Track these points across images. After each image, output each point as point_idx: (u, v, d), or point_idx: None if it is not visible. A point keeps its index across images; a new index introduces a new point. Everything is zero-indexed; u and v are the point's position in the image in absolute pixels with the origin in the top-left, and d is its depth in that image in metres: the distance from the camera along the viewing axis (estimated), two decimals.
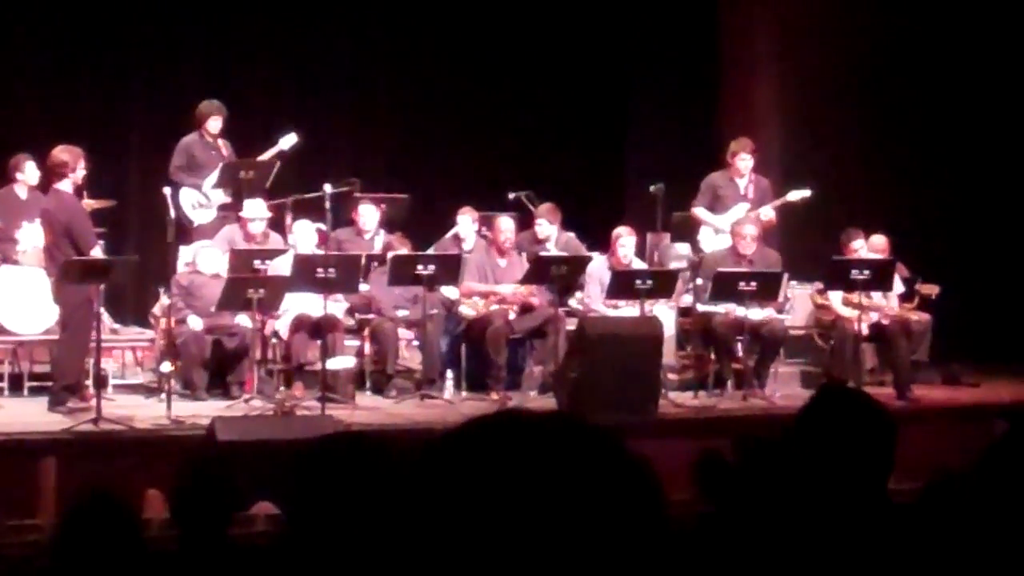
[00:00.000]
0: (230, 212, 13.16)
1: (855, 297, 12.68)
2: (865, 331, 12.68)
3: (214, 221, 13.29)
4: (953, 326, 13.57)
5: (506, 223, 13.21)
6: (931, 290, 13.57)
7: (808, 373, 13.37)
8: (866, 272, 12.41)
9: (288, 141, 13.40)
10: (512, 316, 12.72)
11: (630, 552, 1.62)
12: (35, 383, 12.47)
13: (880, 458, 3.41)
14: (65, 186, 11.37)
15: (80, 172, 11.43)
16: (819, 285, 13.23)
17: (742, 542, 3.29)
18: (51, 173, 11.41)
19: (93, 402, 10.79)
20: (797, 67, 15.70)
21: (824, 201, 13.71)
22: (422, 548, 1.63)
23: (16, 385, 12.44)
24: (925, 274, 13.49)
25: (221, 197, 13.32)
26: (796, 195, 13.51)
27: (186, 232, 13.14)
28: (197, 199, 13.39)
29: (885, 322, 12.79)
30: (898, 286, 13.08)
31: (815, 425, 3.52)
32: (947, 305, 13.56)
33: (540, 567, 1.59)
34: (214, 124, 13.50)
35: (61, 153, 11.37)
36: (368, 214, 13.40)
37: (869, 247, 13.20)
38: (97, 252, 11.40)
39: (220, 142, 13.57)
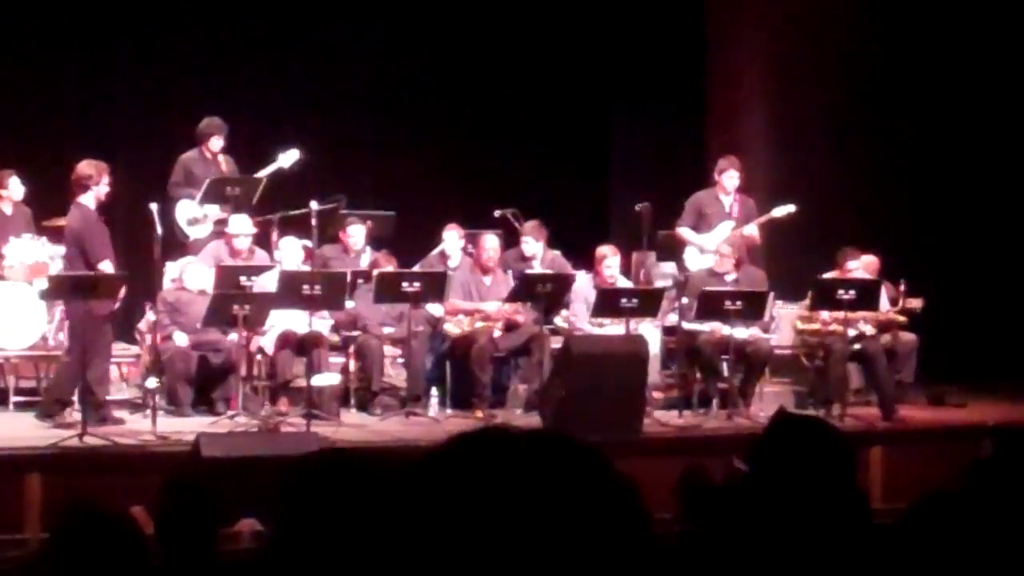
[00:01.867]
0: (225, 227, 13.15)
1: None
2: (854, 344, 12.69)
3: (209, 236, 13.28)
4: (939, 347, 13.58)
5: (491, 241, 13.22)
6: (915, 304, 13.56)
7: (794, 392, 13.38)
8: (851, 292, 12.42)
9: (289, 158, 13.42)
10: (497, 334, 12.72)
11: (615, 570, 1.63)
12: (20, 398, 12.46)
13: (839, 484, 3.42)
14: (88, 200, 11.38)
15: (104, 187, 11.43)
16: (804, 309, 13.17)
17: (724, 561, 3.29)
18: (75, 186, 11.40)
19: (114, 426, 10.95)
20: (785, 85, 15.73)
21: (810, 220, 13.73)
22: (408, 564, 1.63)
23: (1, 400, 12.41)
24: (909, 289, 13.48)
25: (217, 212, 13.31)
26: (781, 211, 13.53)
27: (173, 248, 13.12)
28: (193, 214, 13.38)
29: (871, 331, 12.77)
30: (884, 305, 13.08)
31: (772, 454, 3.53)
32: (932, 325, 13.56)
33: None
34: (216, 143, 13.52)
35: (86, 167, 11.39)
36: (357, 233, 13.40)
37: (862, 267, 13.18)
38: (107, 266, 11.36)
39: (221, 158, 13.58)
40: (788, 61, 15.74)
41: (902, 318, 13.03)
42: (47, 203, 13.63)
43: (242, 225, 12.83)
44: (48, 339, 12.93)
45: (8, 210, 13.52)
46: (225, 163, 13.61)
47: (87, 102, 15.96)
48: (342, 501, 2.96)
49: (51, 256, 13.15)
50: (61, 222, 13.23)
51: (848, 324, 12.59)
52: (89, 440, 10.29)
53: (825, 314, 12.81)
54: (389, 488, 1.73)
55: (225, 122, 13.61)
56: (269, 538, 3.19)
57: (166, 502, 5.32)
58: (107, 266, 11.38)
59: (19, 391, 12.66)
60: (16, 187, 13.51)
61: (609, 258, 13.01)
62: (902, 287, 13.25)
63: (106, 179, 11.43)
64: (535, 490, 1.64)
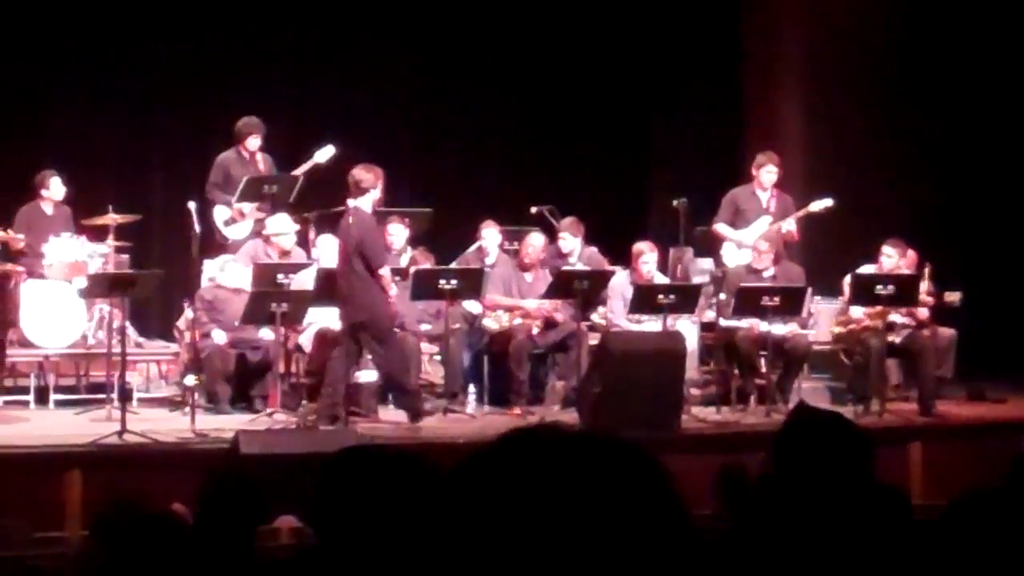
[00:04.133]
0: (265, 227, 13.16)
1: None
2: (893, 340, 12.64)
3: (248, 236, 13.29)
4: (979, 342, 13.52)
5: (536, 238, 13.26)
6: (953, 297, 13.46)
7: (832, 388, 13.34)
8: (890, 287, 12.36)
9: (325, 153, 13.40)
10: (535, 331, 12.72)
11: (658, 567, 1.63)
12: (61, 396, 12.53)
13: (857, 477, 3.42)
14: (364, 203, 11.46)
15: (378, 191, 11.50)
16: (841, 305, 13.11)
17: (763, 557, 3.29)
18: (352, 189, 11.46)
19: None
20: (821, 81, 15.69)
21: (848, 215, 13.68)
22: (455, 561, 1.63)
23: (42, 398, 12.49)
24: (948, 284, 13.40)
25: (256, 212, 13.33)
26: (818, 205, 13.46)
27: (211, 246, 13.16)
28: (230, 215, 13.41)
29: (909, 321, 12.73)
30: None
31: (791, 448, 3.53)
32: (972, 320, 13.49)
33: None
34: (253, 142, 13.53)
35: (363, 171, 11.47)
36: (397, 232, 13.39)
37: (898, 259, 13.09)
38: (386, 272, 11.48)
39: (259, 157, 13.59)
40: (825, 57, 15.69)
41: (928, 300, 12.90)
42: (86, 203, 13.71)
43: (284, 224, 12.86)
44: (88, 337, 13.00)
45: (49, 210, 13.60)
46: (263, 162, 13.62)
47: (126, 102, 16.02)
48: (378, 497, 2.96)
49: (90, 255, 13.23)
50: (100, 221, 13.33)
51: (883, 318, 12.55)
52: (129, 438, 10.33)
53: (858, 312, 12.76)
54: (435, 486, 1.73)
55: (263, 121, 13.62)
56: (308, 535, 3.20)
57: (205, 499, 5.34)
58: (387, 272, 11.49)
59: (59, 388, 12.74)
60: (57, 187, 13.59)
61: (646, 254, 13.00)
62: (927, 276, 13.12)
63: (381, 184, 11.50)
64: (584, 489, 1.63)
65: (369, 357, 11.98)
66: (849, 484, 3.39)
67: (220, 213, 13.39)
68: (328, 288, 11.61)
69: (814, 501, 3.34)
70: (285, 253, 12.83)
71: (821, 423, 3.65)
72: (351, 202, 11.52)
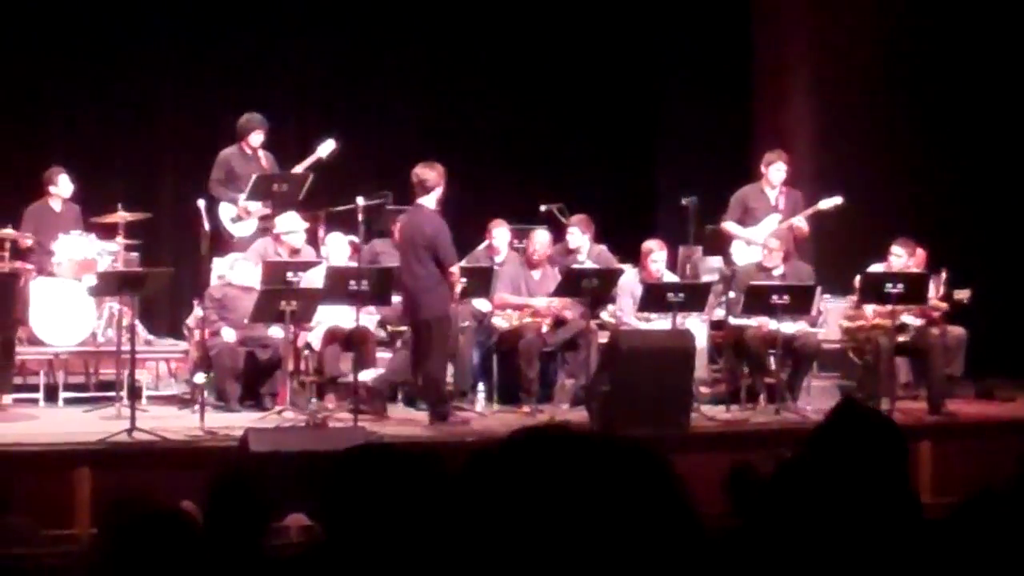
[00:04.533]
0: (270, 224, 13.17)
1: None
2: (902, 338, 12.64)
3: (254, 234, 13.30)
4: (988, 340, 13.51)
5: (542, 236, 13.26)
6: (963, 295, 13.43)
7: (842, 387, 13.32)
8: (899, 286, 12.34)
9: (326, 148, 13.40)
10: (544, 329, 12.72)
11: (669, 565, 1.62)
12: (70, 394, 12.54)
13: (893, 475, 3.41)
14: (429, 201, 11.54)
15: (441, 188, 11.55)
16: (851, 304, 13.11)
17: (772, 556, 3.28)
18: (417, 188, 11.54)
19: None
20: (830, 77, 15.67)
21: (857, 213, 13.66)
22: (463, 559, 1.63)
23: (51, 396, 12.50)
24: (957, 283, 13.38)
25: (261, 210, 13.35)
26: (828, 203, 13.44)
27: (221, 244, 13.16)
28: (236, 212, 13.42)
29: (918, 322, 12.73)
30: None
31: (831, 441, 3.52)
32: (981, 318, 13.47)
33: None
34: (256, 138, 13.53)
35: (427, 170, 11.55)
36: None
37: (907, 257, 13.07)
38: (456, 270, 11.61)
39: (261, 153, 13.60)
40: (835, 53, 15.66)
41: (942, 306, 12.92)
42: (96, 201, 13.73)
43: (292, 223, 12.86)
44: (97, 335, 13.02)
45: (58, 207, 13.62)
46: (265, 159, 13.63)
47: (135, 99, 16.04)
48: (387, 495, 2.96)
49: (100, 253, 13.24)
50: (110, 219, 13.35)
51: (893, 317, 12.54)
52: (138, 435, 10.35)
53: (868, 310, 12.76)
54: (444, 484, 1.73)
55: (267, 118, 13.62)
56: (318, 533, 3.20)
57: (214, 497, 5.34)
58: (457, 269, 11.60)
59: (69, 386, 12.75)
60: (65, 184, 13.60)
61: (655, 252, 12.99)
62: (943, 276, 13.12)
63: (444, 182, 11.55)
64: (593, 489, 1.63)
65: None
66: (886, 483, 3.38)
67: (226, 210, 13.40)
68: (337, 286, 11.60)
69: (847, 497, 3.33)
70: (295, 251, 12.84)
71: (867, 418, 3.64)
72: (418, 200, 11.57)
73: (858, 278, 12.72)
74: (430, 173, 11.50)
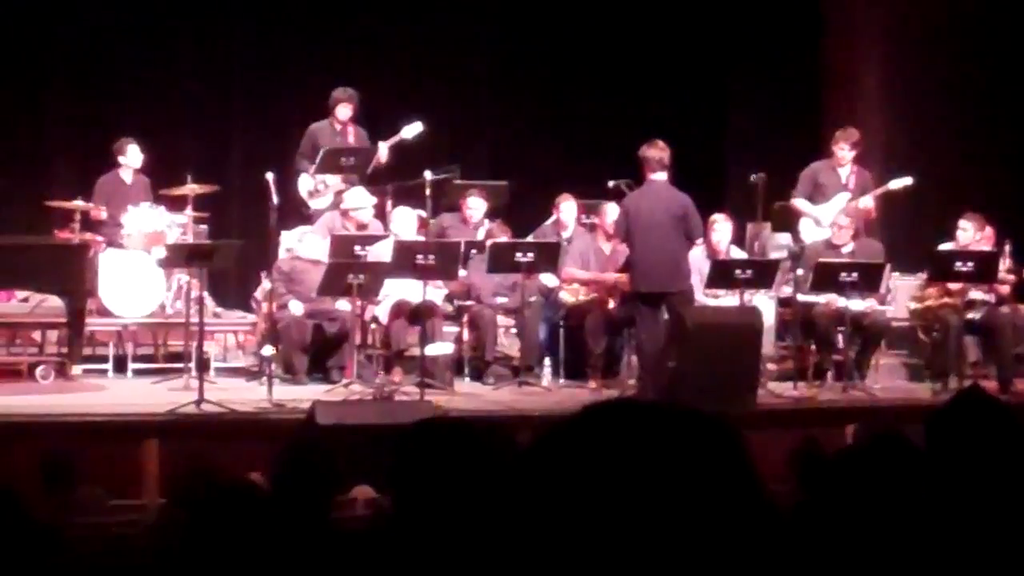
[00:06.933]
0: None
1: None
2: (971, 316, 12.54)
3: (330, 207, 13.33)
4: None
5: (613, 208, 13.21)
6: None
7: (910, 365, 13.23)
8: (970, 264, 12.24)
9: (412, 130, 13.41)
10: (611, 304, 12.70)
11: (739, 540, 1.62)
12: (139, 365, 12.64)
13: (1011, 474, 3.38)
14: (660, 177, 11.74)
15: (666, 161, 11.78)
16: (921, 282, 13.00)
17: (839, 533, 3.26)
18: (653, 165, 11.77)
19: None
20: (901, 54, 15.55)
21: (928, 191, 13.55)
22: (531, 534, 1.63)
23: (120, 367, 12.61)
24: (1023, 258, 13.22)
25: (337, 183, 13.38)
26: (898, 183, 13.33)
27: (289, 217, 13.20)
28: (314, 185, 13.46)
29: (989, 298, 12.62)
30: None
31: (948, 429, 3.49)
32: None
33: (648, 554, 1.59)
34: (343, 111, 13.55)
35: (656, 150, 11.80)
36: (476, 205, 13.40)
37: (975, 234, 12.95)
38: (701, 242, 12.08)
39: (350, 129, 13.62)
40: (905, 30, 15.54)
41: (1010, 278, 12.78)
42: (165, 173, 13.80)
43: (361, 199, 12.88)
44: (166, 307, 13.11)
45: (128, 178, 13.71)
46: (353, 134, 13.64)
47: (206, 71, 16.12)
48: (454, 469, 2.97)
49: (169, 225, 13.33)
50: (179, 191, 13.43)
51: (962, 295, 12.45)
52: (206, 407, 10.41)
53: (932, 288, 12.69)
54: (511, 458, 1.73)
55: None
56: (384, 505, 3.21)
57: (282, 469, 5.37)
58: (701, 242, 12.08)
59: (137, 358, 12.85)
60: (135, 155, 13.68)
61: (720, 223, 12.94)
62: (1007, 249, 12.96)
63: (666, 156, 11.76)
64: (666, 461, 1.62)
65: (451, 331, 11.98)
66: (1002, 475, 3.35)
67: (304, 183, 13.45)
68: (405, 260, 11.62)
69: (961, 483, 3.31)
70: (363, 226, 12.86)
71: (992, 407, 3.60)
72: (655, 177, 11.76)
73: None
74: (662, 152, 11.74)
